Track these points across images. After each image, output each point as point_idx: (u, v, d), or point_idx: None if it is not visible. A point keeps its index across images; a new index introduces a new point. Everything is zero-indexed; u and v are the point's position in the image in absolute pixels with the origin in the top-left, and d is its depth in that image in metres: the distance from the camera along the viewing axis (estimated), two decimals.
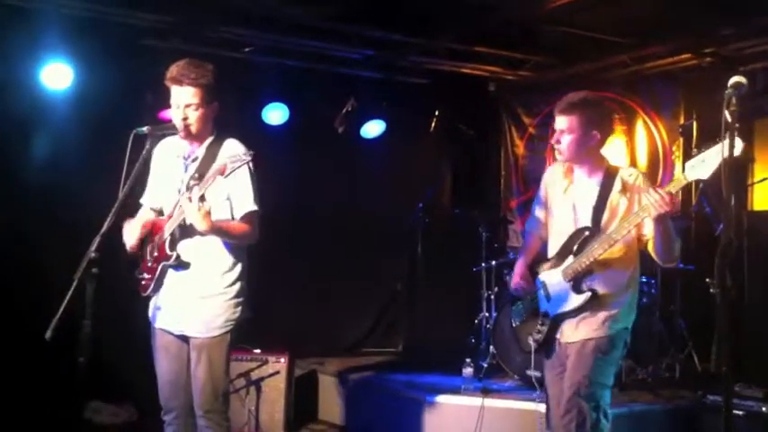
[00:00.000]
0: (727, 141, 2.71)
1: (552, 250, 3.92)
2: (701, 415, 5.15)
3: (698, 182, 3.35)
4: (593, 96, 3.86)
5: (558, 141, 3.76)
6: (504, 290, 6.26)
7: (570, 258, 3.77)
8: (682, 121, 6.68)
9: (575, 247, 3.75)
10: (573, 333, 3.76)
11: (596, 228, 3.71)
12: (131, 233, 3.78)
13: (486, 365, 6.05)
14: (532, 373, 4.58)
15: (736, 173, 2.56)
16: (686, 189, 6.65)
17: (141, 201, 3.94)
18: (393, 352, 7.73)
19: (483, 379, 5.87)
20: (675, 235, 3.59)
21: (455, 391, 5.62)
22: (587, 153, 3.77)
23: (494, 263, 6.46)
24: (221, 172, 3.38)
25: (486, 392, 5.48)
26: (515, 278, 4.05)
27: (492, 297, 6.41)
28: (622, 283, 3.74)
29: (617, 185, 3.72)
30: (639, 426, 5.21)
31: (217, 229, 3.56)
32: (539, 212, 4.09)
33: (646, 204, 3.43)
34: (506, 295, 6.06)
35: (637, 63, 6.90)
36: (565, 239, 3.82)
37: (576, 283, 3.74)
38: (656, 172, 6.87)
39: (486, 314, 6.42)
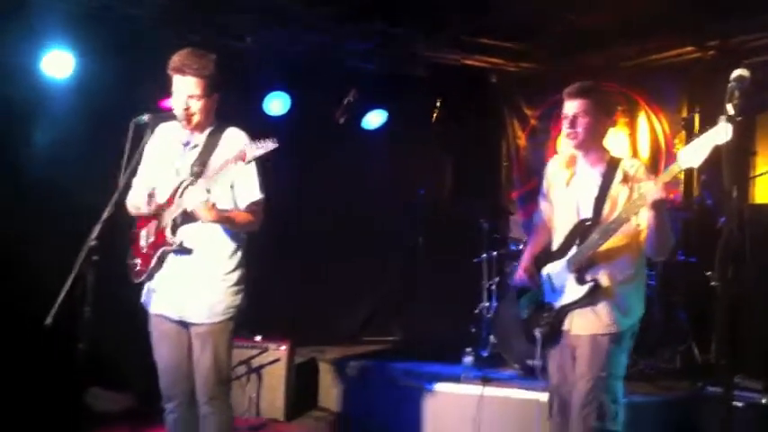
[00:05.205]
0: (717, 127, 2.72)
1: (557, 242, 3.94)
2: (700, 406, 5.13)
3: (698, 172, 3.36)
4: (600, 85, 3.96)
5: (573, 125, 3.73)
6: (505, 280, 6.28)
7: (574, 249, 3.79)
8: (684, 114, 6.66)
9: (577, 239, 3.77)
10: (583, 326, 3.75)
11: (597, 218, 3.71)
12: (142, 201, 3.75)
13: (486, 355, 6.08)
14: (532, 362, 4.58)
15: (737, 165, 2.56)
16: (689, 182, 6.68)
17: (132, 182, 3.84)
18: (393, 340, 7.73)
19: (483, 368, 5.88)
20: (671, 229, 3.60)
21: (455, 379, 5.63)
22: (595, 140, 3.78)
23: (494, 253, 6.49)
24: (242, 158, 3.37)
25: (485, 381, 5.49)
26: (519, 272, 4.06)
27: (493, 287, 6.42)
28: (627, 273, 3.73)
29: (618, 176, 3.72)
30: (639, 417, 5.19)
31: (220, 219, 3.58)
32: (543, 206, 4.12)
33: (642, 192, 3.46)
34: (508, 287, 6.06)
35: (640, 56, 6.88)
36: (568, 231, 3.84)
37: (580, 273, 3.75)
38: (658, 165, 6.85)
39: (487, 304, 6.43)
